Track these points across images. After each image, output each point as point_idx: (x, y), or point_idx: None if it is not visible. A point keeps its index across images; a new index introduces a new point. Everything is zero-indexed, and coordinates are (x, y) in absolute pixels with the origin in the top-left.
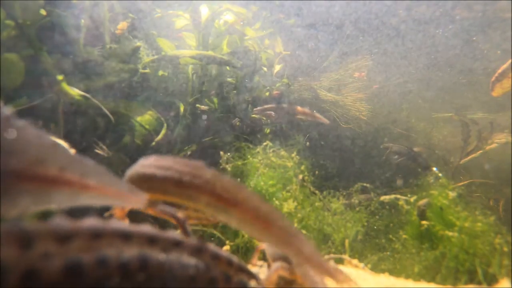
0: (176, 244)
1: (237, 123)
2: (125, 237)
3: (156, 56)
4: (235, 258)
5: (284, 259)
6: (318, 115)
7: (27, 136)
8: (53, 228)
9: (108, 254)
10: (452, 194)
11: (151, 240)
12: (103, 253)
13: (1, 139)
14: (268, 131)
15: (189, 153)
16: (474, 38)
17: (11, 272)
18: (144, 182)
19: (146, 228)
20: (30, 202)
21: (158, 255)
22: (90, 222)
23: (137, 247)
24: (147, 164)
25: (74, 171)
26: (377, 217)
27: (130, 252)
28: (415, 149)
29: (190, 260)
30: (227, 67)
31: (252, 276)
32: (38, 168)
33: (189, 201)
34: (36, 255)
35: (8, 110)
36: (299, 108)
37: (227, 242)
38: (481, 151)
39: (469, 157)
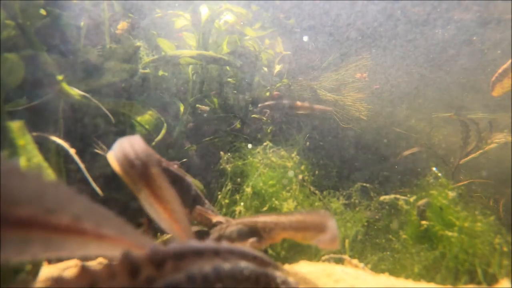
0: (231, 252)
1: (238, 124)
2: (198, 253)
3: (156, 56)
4: (266, 257)
5: (253, 235)
6: (318, 106)
7: (41, 185)
8: (151, 255)
9: (193, 271)
10: (451, 194)
11: (215, 253)
12: (189, 270)
13: (9, 187)
14: (269, 130)
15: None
16: (474, 38)
17: None
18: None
19: (210, 243)
20: (41, 249)
21: (224, 265)
22: (172, 246)
23: (209, 261)
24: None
25: (90, 221)
26: (377, 217)
27: (206, 266)
28: (414, 149)
29: (242, 264)
30: (227, 67)
31: (280, 270)
32: (50, 216)
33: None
34: (143, 281)
35: (17, 162)
36: (298, 103)
37: None
38: (480, 151)
39: (469, 157)
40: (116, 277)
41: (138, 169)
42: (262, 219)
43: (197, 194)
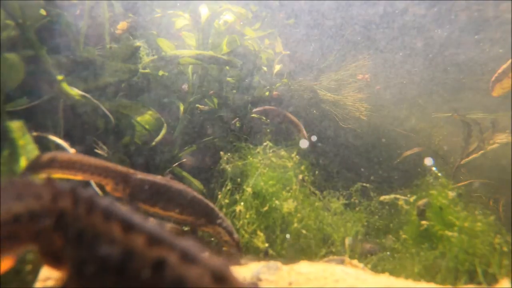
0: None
1: (237, 123)
2: (152, 240)
3: (156, 56)
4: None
5: None
6: (304, 132)
7: None
8: (93, 201)
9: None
10: (451, 194)
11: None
12: (108, 230)
13: None
14: (269, 130)
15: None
16: (476, 37)
17: (67, 217)
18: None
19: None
20: None
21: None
22: (106, 203)
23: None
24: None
25: None
26: (376, 217)
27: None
28: (415, 149)
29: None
30: (227, 67)
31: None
32: None
33: None
34: (74, 215)
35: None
36: (298, 123)
37: None
38: (482, 151)
39: (470, 157)
40: (42, 198)
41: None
42: None
43: (208, 208)
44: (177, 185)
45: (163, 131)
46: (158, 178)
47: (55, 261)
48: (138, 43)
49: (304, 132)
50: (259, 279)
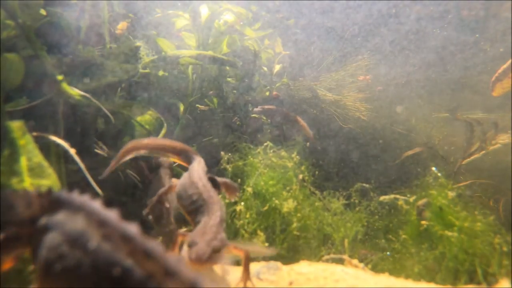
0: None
1: (237, 123)
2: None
3: (156, 56)
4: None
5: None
6: (308, 129)
7: None
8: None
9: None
10: (451, 194)
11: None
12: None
13: None
14: (268, 130)
15: None
16: (477, 35)
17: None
18: None
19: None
20: None
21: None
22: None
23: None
24: None
25: None
26: (376, 217)
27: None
28: (417, 149)
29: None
30: (227, 67)
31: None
32: None
33: None
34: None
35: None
36: (299, 118)
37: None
38: (483, 152)
39: (472, 157)
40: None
41: None
42: None
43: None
44: (212, 197)
45: (163, 131)
46: (198, 176)
47: None
48: (138, 43)
49: (309, 131)
50: (260, 279)
